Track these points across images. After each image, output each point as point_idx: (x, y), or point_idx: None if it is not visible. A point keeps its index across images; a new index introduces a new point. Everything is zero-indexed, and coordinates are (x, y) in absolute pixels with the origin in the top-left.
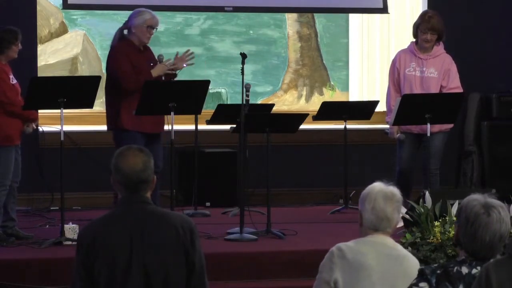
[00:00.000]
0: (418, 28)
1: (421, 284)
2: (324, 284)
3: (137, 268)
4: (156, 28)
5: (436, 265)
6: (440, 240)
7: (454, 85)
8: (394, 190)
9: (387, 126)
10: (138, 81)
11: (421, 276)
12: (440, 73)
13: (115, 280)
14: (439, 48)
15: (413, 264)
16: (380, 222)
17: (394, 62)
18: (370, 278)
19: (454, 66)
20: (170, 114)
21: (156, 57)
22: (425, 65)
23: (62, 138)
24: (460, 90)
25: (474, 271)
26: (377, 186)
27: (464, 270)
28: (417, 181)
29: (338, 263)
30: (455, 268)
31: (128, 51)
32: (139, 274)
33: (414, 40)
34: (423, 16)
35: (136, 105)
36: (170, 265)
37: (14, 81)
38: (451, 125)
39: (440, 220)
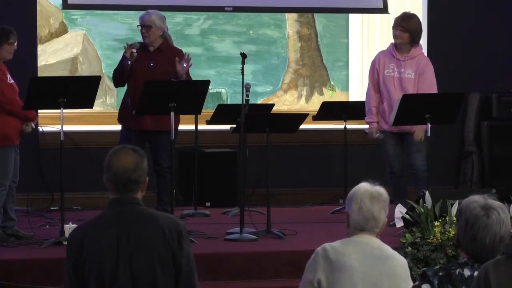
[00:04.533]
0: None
1: (424, 286)
2: (308, 284)
3: (124, 269)
4: (147, 27)
5: (437, 267)
6: (440, 240)
7: (427, 89)
8: (380, 189)
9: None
10: (114, 74)
11: (424, 278)
12: (416, 75)
13: (104, 282)
14: (417, 50)
15: (399, 263)
16: (367, 222)
17: (373, 63)
18: (352, 278)
19: (430, 69)
20: (170, 114)
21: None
22: (403, 66)
23: (62, 138)
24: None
25: (476, 273)
26: (363, 186)
27: (467, 272)
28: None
29: (321, 263)
30: (457, 270)
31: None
32: (126, 276)
33: (393, 41)
34: (400, 14)
35: (127, 101)
36: (157, 266)
37: (12, 81)
38: None
39: (440, 220)
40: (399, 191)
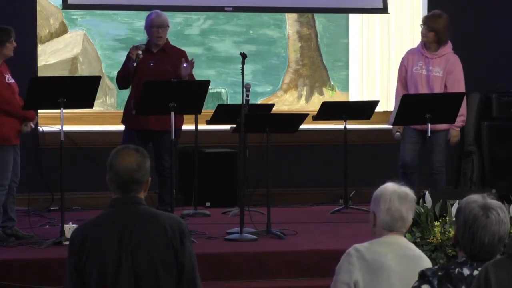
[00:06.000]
0: None
1: (423, 287)
2: (343, 285)
3: (126, 269)
4: (164, 28)
5: (436, 267)
6: (440, 240)
7: (456, 88)
8: (407, 190)
9: (390, 126)
10: (118, 77)
11: (423, 278)
12: (444, 73)
13: (106, 281)
14: (446, 48)
15: (427, 263)
16: (396, 222)
17: (402, 61)
18: (389, 279)
19: (459, 68)
20: (170, 114)
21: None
22: (431, 64)
23: (62, 138)
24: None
25: (475, 272)
26: (391, 186)
27: (466, 271)
28: (424, 181)
29: (357, 264)
30: (456, 269)
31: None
32: (128, 275)
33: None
34: (429, 12)
35: (130, 103)
36: (159, 265)
37: (11, 81)
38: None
39: (440, 220)
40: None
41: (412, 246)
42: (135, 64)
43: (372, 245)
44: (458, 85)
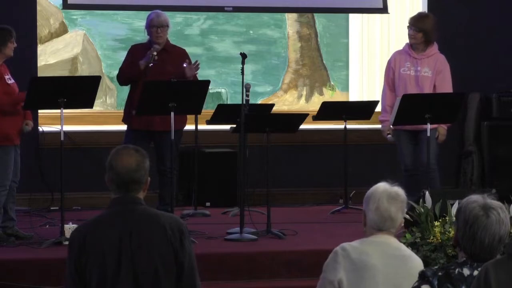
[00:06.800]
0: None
1: (423, 287)
2: (328, 284)
3: (126, 268)
4: (163, 27)
5: (436, 267)
6: (440, 240)
7: (447, 88)
8: (398, 190)
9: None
10: (124, 74)
11: (423, 278)
12: (433, 72)
13: (106, 281)
14: (433, 48)
15: (417, 264)
16: (384, 222)
17: (389, 62)
18: (374, 278)
19: (447, 68)
20: (170, 114)
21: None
22: (419, 64)
23: (62, 138)
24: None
25: (475, 272)
26: (382, 186)
27: (466, 271)
28: (421, 181)
29: (342, 263)
30: (457, 269)
31: (137, 50)
32: (128, 275)
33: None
34: (415, 14)
35: (130, 103)
36: (159, 265)
37: (11, 81)
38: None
39: (440, 220)
40: (412, 189)
41: (402, 246)
42: (151, 64)
43: (360, 244)
44: (447, 84)
